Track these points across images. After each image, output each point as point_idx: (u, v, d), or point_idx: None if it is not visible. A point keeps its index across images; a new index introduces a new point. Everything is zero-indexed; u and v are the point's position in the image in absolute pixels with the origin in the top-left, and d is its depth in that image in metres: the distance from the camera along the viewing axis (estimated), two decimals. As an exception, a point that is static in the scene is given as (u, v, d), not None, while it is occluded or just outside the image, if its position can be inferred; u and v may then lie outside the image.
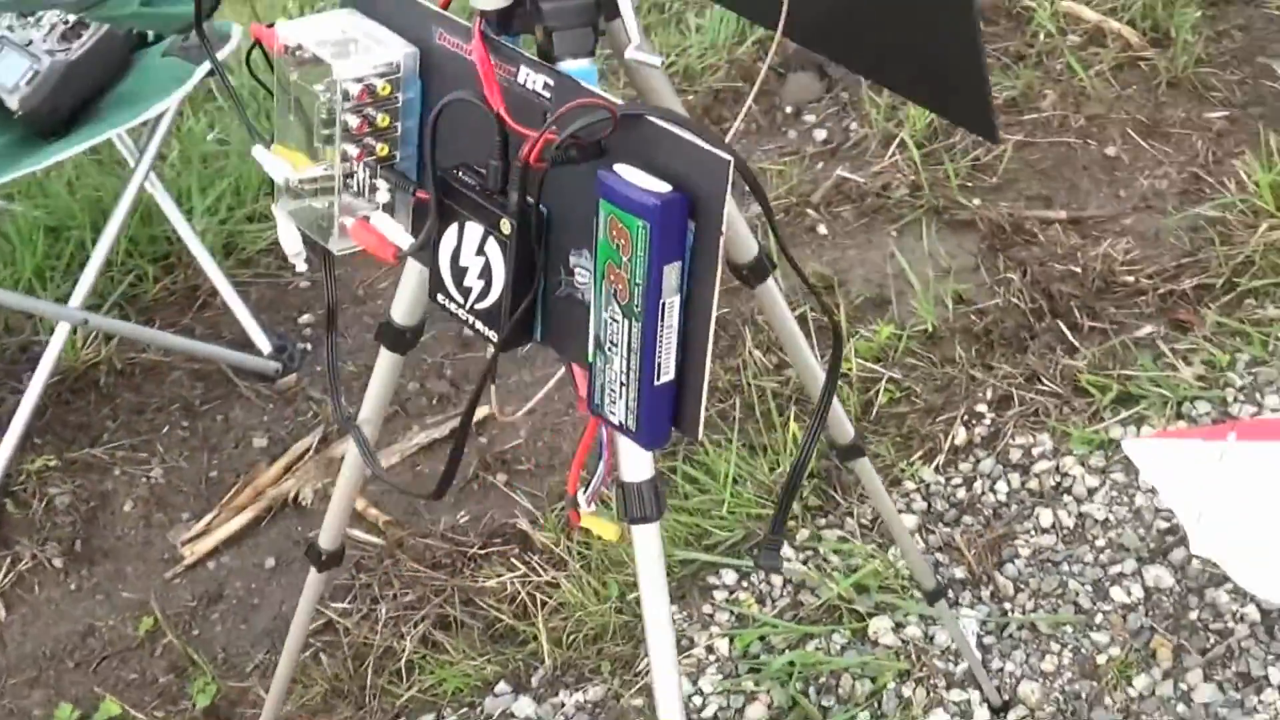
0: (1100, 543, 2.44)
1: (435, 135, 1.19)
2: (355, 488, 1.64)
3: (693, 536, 2.44)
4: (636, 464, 1.25)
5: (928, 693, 2.23)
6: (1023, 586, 2.38)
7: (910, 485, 2.54)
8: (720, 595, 2.40)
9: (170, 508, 2.62)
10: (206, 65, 2.50)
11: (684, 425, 1.15)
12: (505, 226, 1.16)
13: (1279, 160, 3.00)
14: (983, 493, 2.53)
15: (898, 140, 3.17)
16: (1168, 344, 2.72)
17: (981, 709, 2.22)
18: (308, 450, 2.69)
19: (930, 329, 2.77)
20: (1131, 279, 2.87)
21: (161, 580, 2.50)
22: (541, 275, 1.21)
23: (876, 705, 2.23)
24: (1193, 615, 2.32)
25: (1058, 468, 2.55)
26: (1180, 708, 2.21)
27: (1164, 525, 2.44)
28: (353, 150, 1.24)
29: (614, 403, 1.14)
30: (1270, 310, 2.78)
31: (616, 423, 1.15)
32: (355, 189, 1.28)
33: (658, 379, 1.11)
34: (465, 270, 1.22)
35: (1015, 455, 2.58)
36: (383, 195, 1.28)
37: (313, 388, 2.82)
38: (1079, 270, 2.89)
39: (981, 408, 2.65)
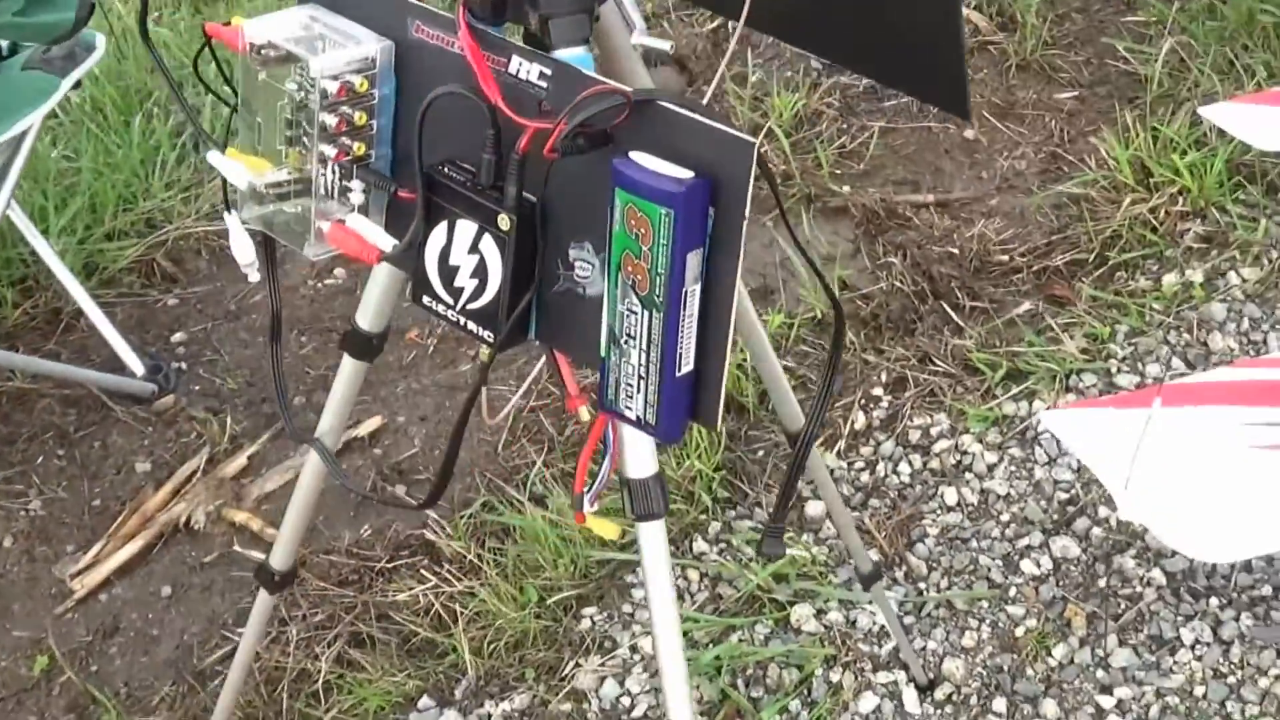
0: (1005, 517, 2.47)
1: (423, 130, 1.15)
2: (311, 504, 1.58)
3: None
4: (641, 460, 1.22)
5: (855, 676, 2.24)
6: (935, 565, 2.41)
7: (813, 472, 2.55)
8: (639, 594, 2.38)
9: (54, 540, 2.51)
10: (73, 77, 2.40)
11: (703, 415, 1.12)
12: (503, 222, 1.13)
13: (1135, 136, 3.08)
14: (886, 475, 2.55)
15: (765, 130, 3.18)
16: (1049, 319, 2.78)
17: (909, 689, 2.24)
18: (195, 472, 2.60)
19: (819, 315, 2.78)
20: (1006, 258, 2.92)
21: (52, 616, 2.39)
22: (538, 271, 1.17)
23: (806, 693, 2.23)
24: (1102, 583, 2.37)
25: (957, 446, 2.58)
26: (1100, 674, 2.25)
27: (1064, 496, 2.49)
28: (329, 150, 1.19)
29: (630, 398, 1.11)
30: (1142, 281, 2.86)
31: (634, 418, 1.12)
32: (324, 191, 1.23)
33: (679, 370, 1.09)
34: (456, 270, 1.18)
35: (915, 436, 2.61)
36: (357, 196, 1.23)
37: (193, 408, 2.72)
38: (956, 252, 2.93)
39: (877, 391, 2.67)
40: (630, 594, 2.38)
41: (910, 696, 2.24)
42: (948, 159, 3.24)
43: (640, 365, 1.10)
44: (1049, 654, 2.28)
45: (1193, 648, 2.28)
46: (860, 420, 2.63)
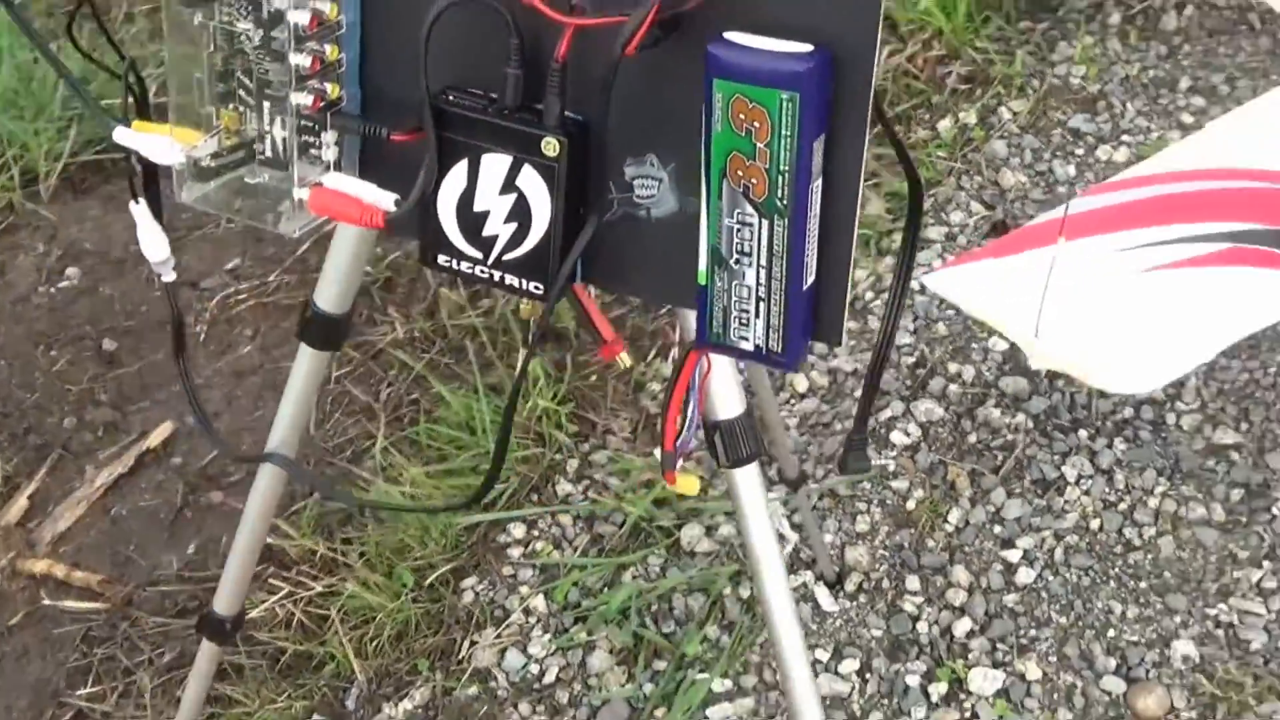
0: (859, 392, 2.39)
1: (429, 44, 0.94)
2: (259, 540, 1.33)
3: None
4: (730, 399, 1.05)
5: (766, 587, 2.13)
6: (805, 456, 2.31)
7: (656, 387, 2.41)
8: (516, 552, 2.20)
9: None
10: None
11: (826, 332, 0.96)
12: (550, 148, 0.94)
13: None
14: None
15: None
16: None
17: (820, 587, 2.14)
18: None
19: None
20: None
21: None
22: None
23: (720, 615, 2.11)
24: (972, 438, 2.32)
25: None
26: (997, 529, 2.21)
27: (911, 360, 2.43)
28: (304, 99, 0.96)
29: (745, 325, 0.94)
30: (920, 132, 2.81)
31: (751, 347, 0.95)
32: (281, 152, 1.01)
33: (805, 283, 0.93)
34: (484, 216, 0.98)
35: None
36: (329, 151, 1.01)
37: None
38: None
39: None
40: (507, 554, 2.19)
41: (823, 594, 2.14)
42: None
43: (760, 284, 0.93)
44: (945, 520, 2.22)
45: (1077, 483, 2.26)
46: (687, 324, 2.49)
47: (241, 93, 1.01)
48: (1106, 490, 2.25)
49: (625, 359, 1.08)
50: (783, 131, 0.88)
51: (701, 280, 0.95)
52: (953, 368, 2.42)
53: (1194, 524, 2.21)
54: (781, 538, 2.18)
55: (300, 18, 0.94)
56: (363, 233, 1.12)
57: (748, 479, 1.07)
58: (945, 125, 2.80)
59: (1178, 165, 2.12)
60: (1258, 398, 2.39)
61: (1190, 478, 2.26)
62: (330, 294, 1.16)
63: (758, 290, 0.93)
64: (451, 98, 0.97)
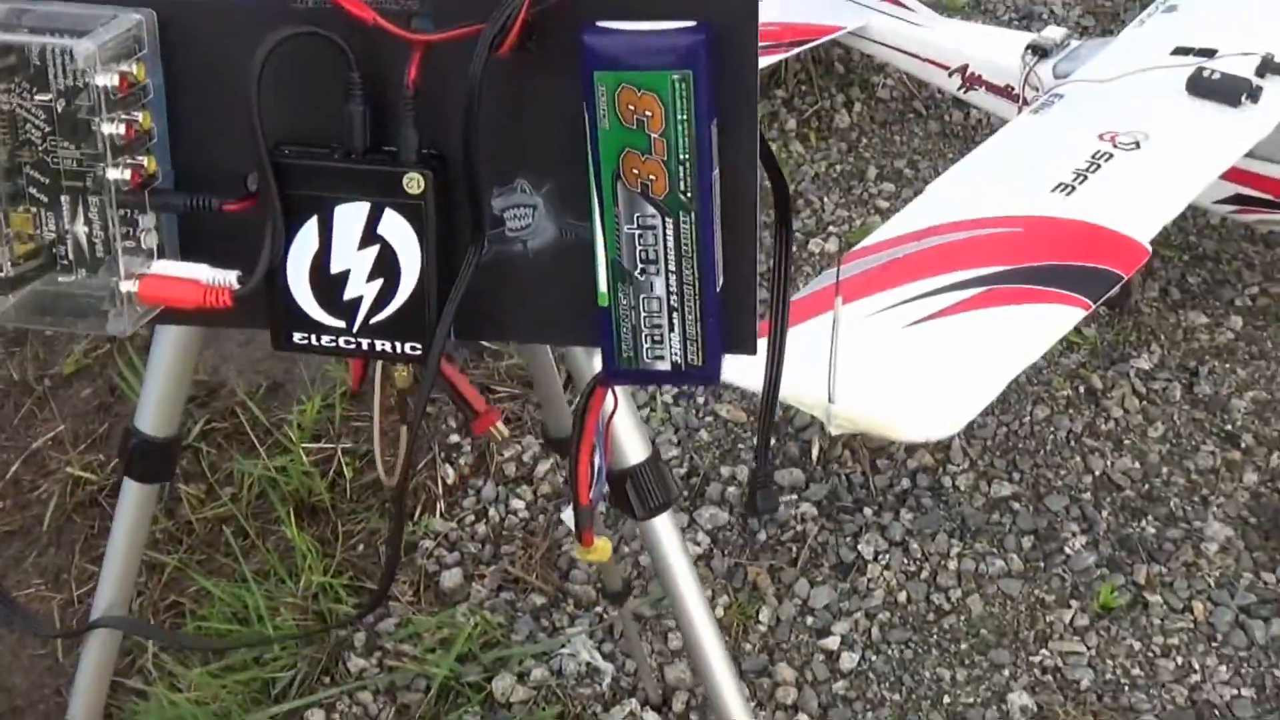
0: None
1: (260, 93, 0.84)
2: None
3: (259, 695, 2.03)
4: (636, 442, 0.96)
5: (593, 723, 2.01)
6: (599, 583, 2.22)
7: (429, 544, 2.28)
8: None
9: None
10: None
11: (738, 341, 0.89)
12: (413, 185, 0.85)
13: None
14: (504, 518, 2.32)
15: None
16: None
17: (648, 712, 2.04)
18: None
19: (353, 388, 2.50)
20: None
21: None
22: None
23: (554, 762, 1.98)
24: (762, 536, 2.28)
25: (557, 463, 2.40)
26: (810, 620, 2.15)
27: (683, 470, 2.38)
28: (122, 175, 0.85)
29: (658, 341, 0.86)
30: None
31: (668, 366, 0.87)
32: (75, 252, 0.88)
33: (717, 284, 0.86)
34: (343, 278, 0.88)
35: (511, 470, 2.40)
36: (150, 236, 0.89)
37: None
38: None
39: (454, 438, 2.44)
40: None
41: (653, 719, 2.03)
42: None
43: (670, 292, 0.85)
44: (756, 621, 2.16)
45: (876, 559, 2.24)
46: (450, 475, 2.38)
47: (33, 190, 0.89)
48: (905, 561, 2.23)
49: (501, 430, 0.98)
50: (678, 116, 0.81)
51: (603, 302, 0.87)
52: (725, 470, 2.38)
53: (995, 578, 2.21)
54: (595, 670, 2.08)
55: (109, 79, 0.83)
56: (187, 337, 0.99)
57: (665, 527, 0.98)
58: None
59: (914, 225, 2.15)
60: (1020, 448, 2.43)
61: (980, 534, 2.27)
62: (154, 415, 1.01)
63: (669, 300, 0.85)
64: (288, 151, 0.87)
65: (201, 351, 1.07)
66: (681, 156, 0.82)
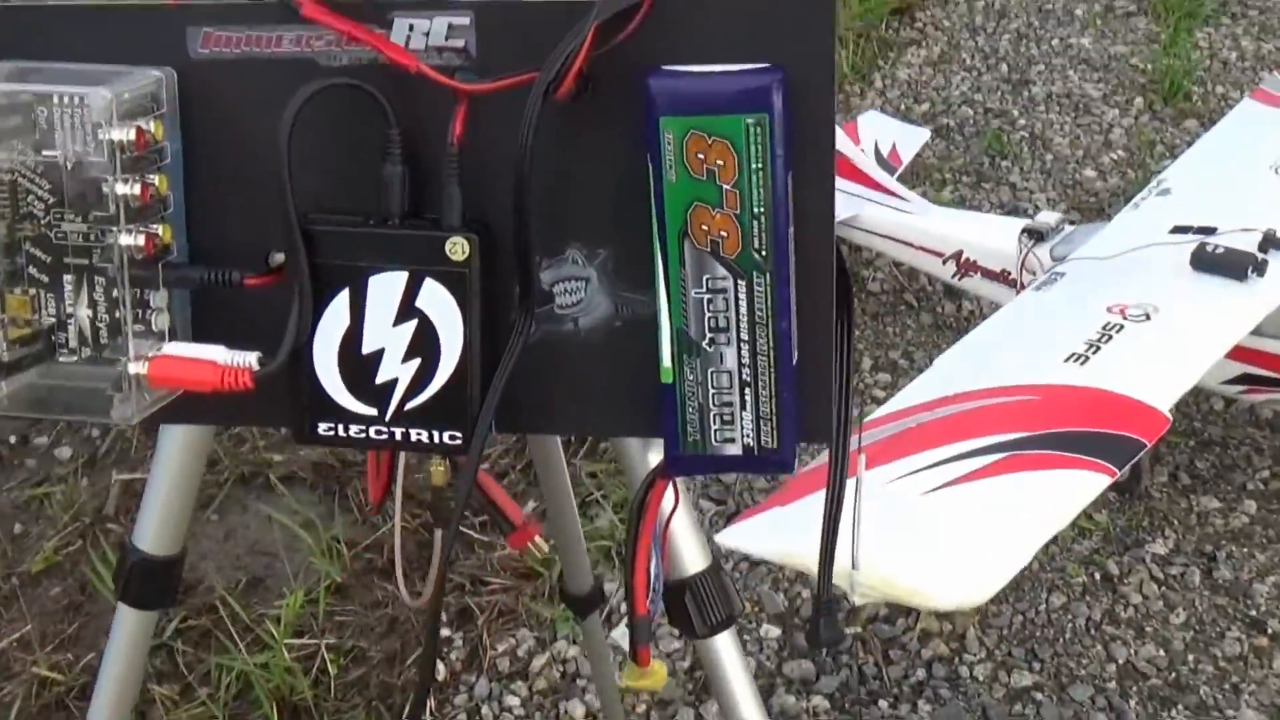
0: (642, 708, 2.19)
1: (291, 153, 0.76)
2: None
3: None
4: (695, 549, 0.87)
5: None
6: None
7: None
8: None
9: None
10: None
11: (813, 429, 0.80)
12: (458, 250, 0.77)
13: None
14: (497, 716, 2.19)
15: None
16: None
17: None
18: None
19: (338, 581, 2.38)
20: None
21: None
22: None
23: None
24: (775, 728, 2.15)
25: (555, 656, 2.28)
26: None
27: (685, 664, 2.25)
28: (135, 241, 0.77)
29: (729, 422, 0.78)
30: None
31: (739, 450, 0.78)
32: (78, 338, 0.80)
33: (793, 356, 0.78)
34: (376, 359, 0.79)
35: (505, 665, 2.27)
36: (161, 318, 0.80)
37: None
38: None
39: (444, 632, 2.31)
40: None
41: None
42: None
43: (743, 364, 0.77)
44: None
45: (895, 753, 2.11)
46: (440, 671, 2.25)
47: (33, 269, 0.80)
48: (927, 754, 2.11)
49: (541, 545, 0.88)
50: (752, 165, 0.74)
51: (666, 378, 0.78)
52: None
53: (1025, 771, 2.08)
54: None
55: (124, 134, 0.75)
56: (195, 441, 0.89)
57: (727, 646, 0.88)
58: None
59: (925, 397, 2.08)
60: (1039, 636, 2.32)
61: (1005, 725, 2.15)
62: (156, 531, 0.91)
63: (741, 374, 0.77)
64: (318, 218, 0.79)
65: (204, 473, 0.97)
66: (756, 210, 0.74)
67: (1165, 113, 3.88)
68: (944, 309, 3.18)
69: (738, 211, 0.74)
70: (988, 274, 2.82)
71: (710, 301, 0.76)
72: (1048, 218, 2.77)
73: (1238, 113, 3.01)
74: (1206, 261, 2.38)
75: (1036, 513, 1.84)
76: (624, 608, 1.94)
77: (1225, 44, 4.27)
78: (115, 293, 0.79)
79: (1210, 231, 2.46)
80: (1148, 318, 2.25)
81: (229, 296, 0.81)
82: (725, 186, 0.74)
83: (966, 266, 2.84)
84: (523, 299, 0.78)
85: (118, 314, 0.79)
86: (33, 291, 0.80)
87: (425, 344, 0.78)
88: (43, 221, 0.79)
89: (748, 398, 0.77)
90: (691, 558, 0.86)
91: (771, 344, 0.76)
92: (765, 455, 0.78)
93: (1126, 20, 4.41)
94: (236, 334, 0.80)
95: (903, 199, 2.98)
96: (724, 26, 0.75)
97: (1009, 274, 2.77)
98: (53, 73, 0.79)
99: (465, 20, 0.78)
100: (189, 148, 0.81)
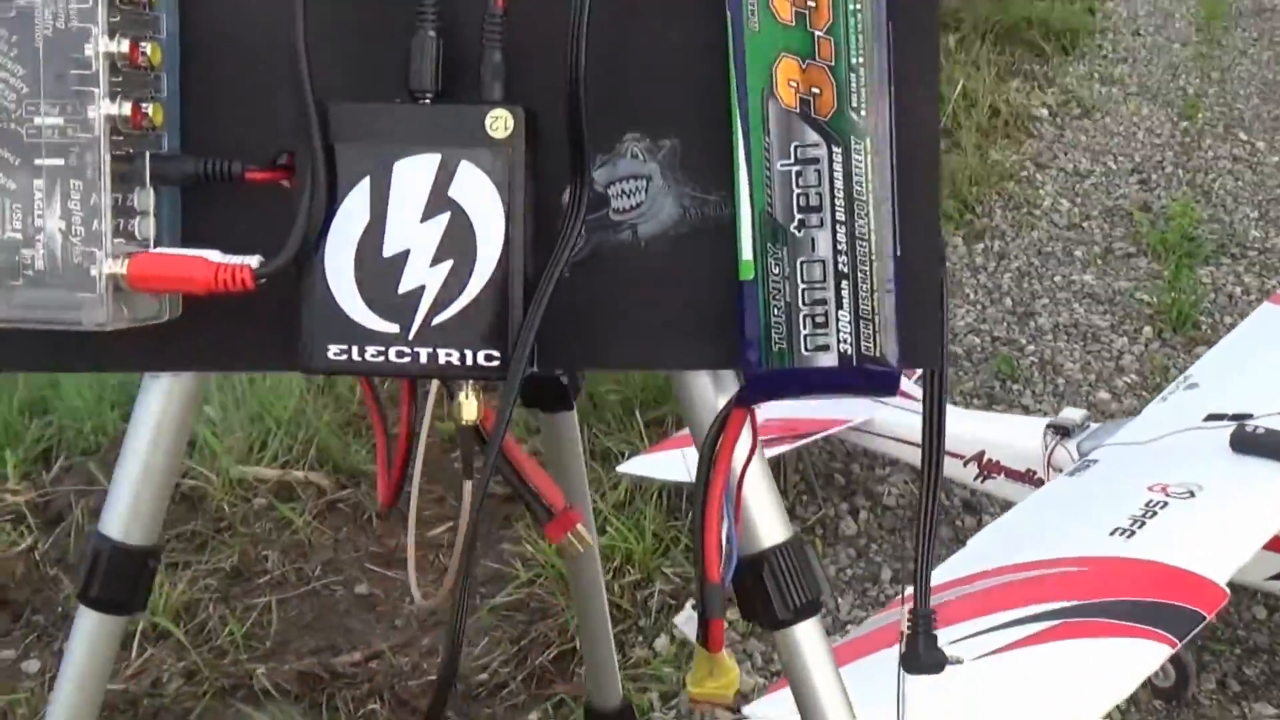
0: None
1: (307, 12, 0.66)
2: None
3: None
4: (773, 517, 0.72)
5: None
6: None
7: None
8: None
9: None
10: None
11: (915, 348, 0.68)
12: (499, 125, 0.66)
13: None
14: None
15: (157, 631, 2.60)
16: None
17: None
18: None
19: None
20: (487, 676, 2.51)
21: None
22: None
23: None
24: None
25: None
26: None
27: None
28: (120, 109, 0.65)
29: (822, 325, 0.65)
30: (638, 651, 2.55)
31: (834, 360, 0.65)
32: (46, 263, 0.68)
33: (895, 247, 0.65)
34: (399, 263, 0.67)
35: None
36: (145, 223, 0.68)
37: None
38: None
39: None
40: None
41: None
42: (352, 617, 2.79)
43: (839, 251, 0.64)
44: None
45: None
46: None
47: (5, 153, 0.68)
48: None
49: (584, 536, 0.74)
50: (850, 5, 0.63)
51: (746, 274, 0.65)
52: None
53: None
54: None
55: (112, -21, 0.64)
56: (176, 407, 0.75)
57: (810, 637, 0.72)
58: (661, 643, 2.57)
59: (963, 573, 1.94)
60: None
61: None
62: (128, 514, 0.75)
63: (836, 263, 0.64)
64: (334, 101, 0.67)
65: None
66: (854, 60, 0.63)
67: (1175, 340, 3.82)
68: (964, 523, 3.04)
69: (832, 63, 0.63)
70: (1012, 474, 2.69)
71: (800, 175, 0.64)
72: (1073, 414, 2.66)
73: (1258, 315, 2.95)
74: (1248, 443, 2.26)
75: (1094, 682, 1.67)
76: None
77: (1229, 280, 4.24)
78: (94, 198, 0.67)
79: (1246, 418, 2.35)
80: (1192, 495, 2.12)
81: (225, 201, 0.69)
82: (818, 33, 0.63)
83: (989, 468, 2.72)
84: (574, 191, 0.66)
85: (95, 224, 0.67)
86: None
87: (458, 242, 0.66)
88: (13, 116, 0.68)
89: (845, 293, 0.64)
90: (769, 527, 0.71)
91: (874, 226, 0.64)
92: (867, 367, 0.65)
93: (1127, 260, 4.39)
94: (233, 247, 0.67)
95: (919, 400, 2.86)
96: None
97: (1034, 473, 2.64)
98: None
99: None
100: (186, 34, 0.70)
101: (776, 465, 3.02)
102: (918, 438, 2.49)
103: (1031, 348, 3.81)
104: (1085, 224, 4.65)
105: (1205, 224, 4.54)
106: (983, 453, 2.70)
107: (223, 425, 3.22)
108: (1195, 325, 3.86)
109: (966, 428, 2.77)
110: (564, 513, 0.74)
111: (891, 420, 2.83)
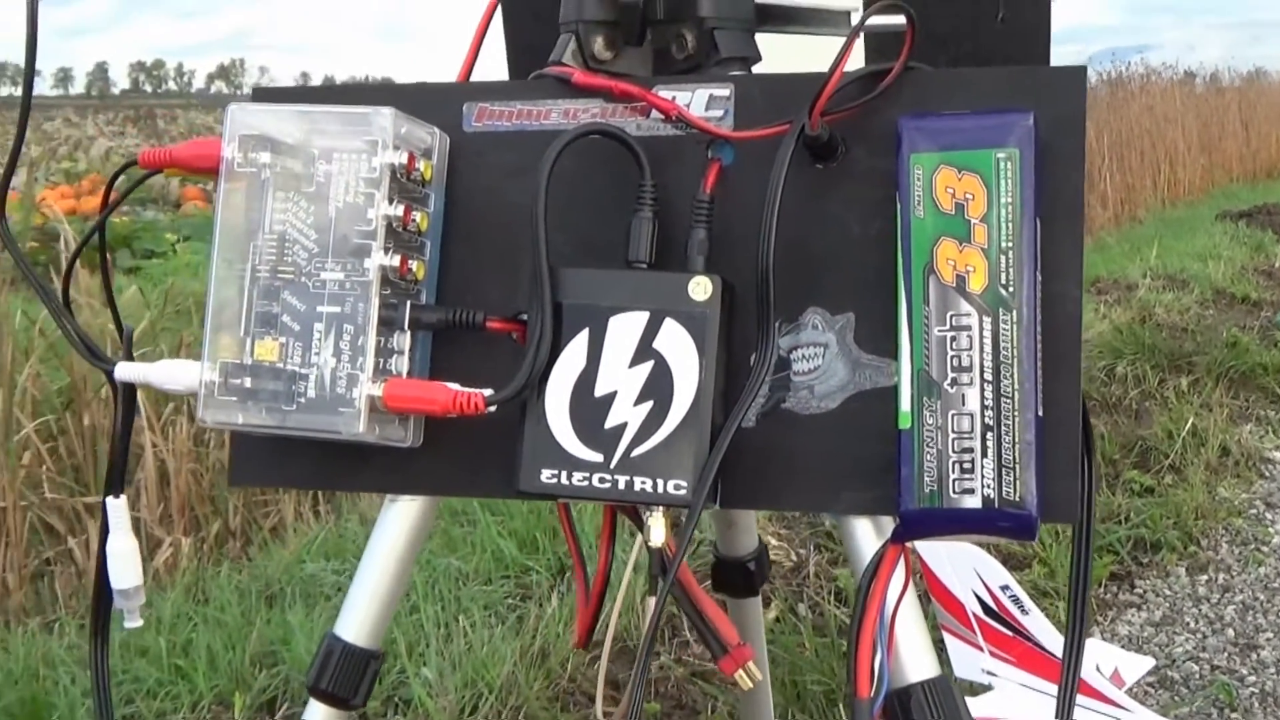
0: None
1: (548, 194, 0.80)
2: None
3: None
4: (920, 652, 0.80)
5: None
6: None
7: None
8: None
9: None
10: None
11: (1055, 505, 0.76)
12: (700, 289, 0.78)
13: None
14: None
15: None
16: None
17: None
18: None
19: None
20: None
21: None
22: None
23: None
24: None
25: None
26: None
27: None
28: (389, 260, 0.79)
29: (968, 470, 0.74)
30: None
31: (978, 503, 0.74)
32: (316, 392, 0.82)
33: (1037, 408, 0.75)
34: (608, 403, 0.79)
35: None
36: (400, 361, 0.82)
37: None
38: None
39: None
40: None
41: None
42: None
43: (986, 406, 0.74)
44: None
45: None
46: None
47: (286, 317, 0.83)
48: None
49: (755, 672, 0.82)
50: (1002, 199, 0.74)
51: (903, 424, 0.75)
52: None
53: None
54: None
55: (398, 158, 0.79)
56: (412, 524, 0.87)
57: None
58: None
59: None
60: None
61: None
62: (366, 623, 0.86)
63: (983, 416, 0.74)
64: (563, 269, 0.81)
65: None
66: (1004, 244, 0.74)
67: None
68: (1172, 847, 2.94)
69: (985, 246, 0.74)
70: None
71: (954, 339, 0.74)
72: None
73: None
74: None
75: None
76: None
77: None
78: (361, 340, 0.81)
79: None
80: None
81: (467, 345, 0.82)
82: (973, 220, 0.74)
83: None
84: (760, 353, 0.78)
85: (360, 361, 0.81)
86: (283, 339, 0.82)
87: (659, 386, 0.78)
88: (304, 270, 0.82)
89: (989, 443, 0.74)
90: (916, 661, 0.78)
91: (1016, 385, 0.73)
92: (1005, 510, 0.73)
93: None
94: (470, 384, 0.80)
95: (1125, 709, 2.82)
96: (976, 89, 0.78)
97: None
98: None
99: (725, 91, 0.82)
100: (450, 212, 0.85)
101: None
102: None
103: (1253, 678, 3.71)
104: (1315, 561, 4.53)
105: None
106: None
107: (438, 687, 3.34)
108: None
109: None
110: (737, 648, 0.82)
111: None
